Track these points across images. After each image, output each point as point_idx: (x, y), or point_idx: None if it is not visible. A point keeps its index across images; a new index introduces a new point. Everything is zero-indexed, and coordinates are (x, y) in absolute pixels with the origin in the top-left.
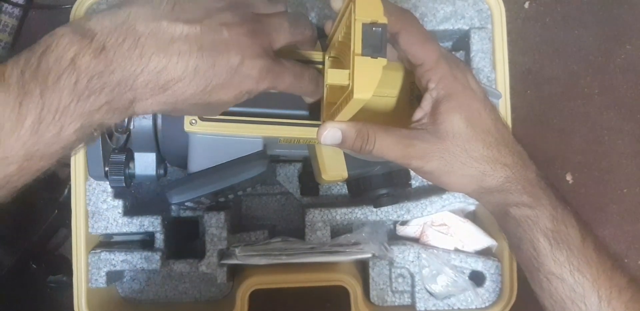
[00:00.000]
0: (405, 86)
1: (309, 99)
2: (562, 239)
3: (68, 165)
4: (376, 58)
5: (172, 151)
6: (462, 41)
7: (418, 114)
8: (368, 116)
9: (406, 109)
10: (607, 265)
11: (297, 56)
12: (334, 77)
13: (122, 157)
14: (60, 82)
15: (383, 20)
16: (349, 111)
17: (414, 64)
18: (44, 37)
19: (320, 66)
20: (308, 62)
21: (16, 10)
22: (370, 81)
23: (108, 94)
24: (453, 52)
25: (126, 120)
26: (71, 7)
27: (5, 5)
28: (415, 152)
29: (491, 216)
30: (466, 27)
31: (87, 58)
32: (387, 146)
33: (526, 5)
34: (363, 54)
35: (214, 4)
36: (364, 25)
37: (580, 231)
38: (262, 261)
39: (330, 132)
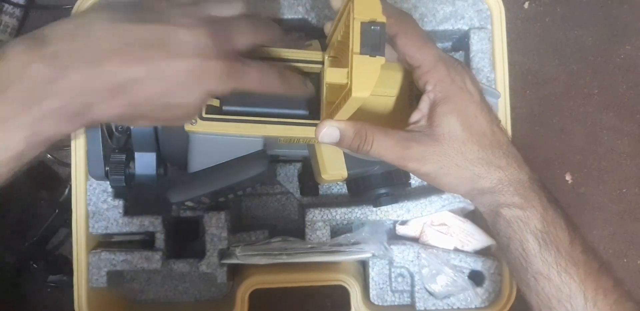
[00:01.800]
0: (404, 86)
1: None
2: (551, 241)
3: (68, 165)
4: (374, 57)
5: (172, 151)
6: (461, 41)
7: (415, 116)
8: (367, 116)
9: (405, 108)
10: (594, 267)
11: (295, 55)
12: (332, 76)
13: (123, 157)
14: (8, 92)
15: (382, 19)
16: (348, 109)
17: (412, 65)
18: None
19: (320, 66)
20: (307, 63)
21: (17, 11)
22: (369, 79)
23: (60, 99)
24: (453, 53)
25: None
26: (72, 7)
27: (6, 5)
28: (412, 154)
29: None
30: (466, 28)
31: (38, 65)
32: (385, 148)
33: (526, 5)
34: (361, 53)
35: (172, 8)
36: (362, 24)
37: (569, 233)
38: (262, 261)
39: (329, 131)
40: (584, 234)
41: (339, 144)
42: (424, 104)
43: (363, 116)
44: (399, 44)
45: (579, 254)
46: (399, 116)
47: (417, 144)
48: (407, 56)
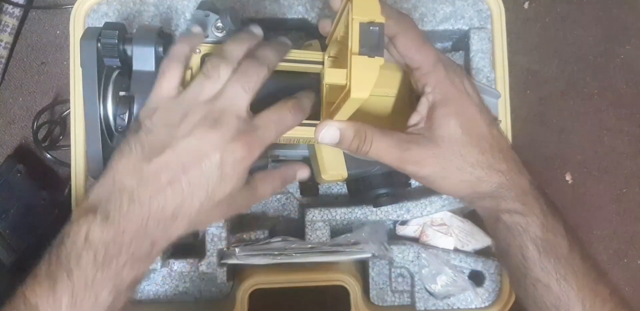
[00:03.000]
0: (404, 87)
1: None
2: (551, 248)
3: (68, 165)
4: (373, 57)
5: None
6: (461, 41)
7: (414, 119)
8: (367, 116)
9: (406, 109)
10: (592, 276)
11: (296, 56)
12: (331, 76)
13: None
14: (81, 261)
15: (380, 19)
16: (347, 110)
17: (410, 67)
18: (65, 227)
19: (320, 66)
20: (307, 63)
21: (17, 11)
22: (368, 79)
23: (127, 251)
24: (453, 53)
25: (126, 119)
26: (71, 7)
27: (6, 5)
28: (411, 156)
29: None
30: (466, 27)
31: (97, 231)
32: (384, 149)
33: (526, 5)
34: (360, 53)
35: (180, 122)
36: (361, 24)
37: (569, 240)
38: (262, 261)
39: (328, 131)
40: (582, 240)
41: (338, 144)
42: (423, 107)
43: (363, 116)
44: (398, 45)
45: (578, 261)
46: (399, 116)
47: (416, 147)
48: (406, 57)
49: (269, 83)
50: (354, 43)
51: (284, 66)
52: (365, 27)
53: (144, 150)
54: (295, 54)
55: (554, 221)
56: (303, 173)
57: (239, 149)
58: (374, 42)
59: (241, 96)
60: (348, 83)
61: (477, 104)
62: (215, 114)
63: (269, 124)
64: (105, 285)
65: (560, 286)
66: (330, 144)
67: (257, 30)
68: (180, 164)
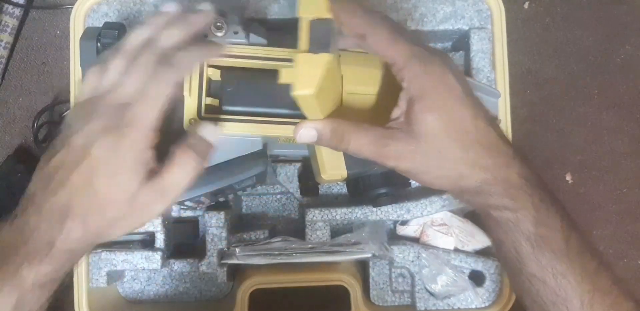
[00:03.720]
0: (389, 83)
1: None
2: (545, 243)
3: None
4: (317, 54)
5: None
6: (461, 41)
7: (395, 113)
8: (352, 115)
9: (392, 105)
10: (591, 268)
11: (269, 53)
12: (283, 76)
13: None
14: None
15: (327, 15)
16: (307, 108)
17: (387, 63)
18: None
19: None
20: (281, 61)
21: (17, 11)
22: (312, 77)
23: (24, 251)
24: (453, 53)
25: None
26: (71, 7)
27: (6, 5)
28: (389, 152)
29: None
30: (466, 28)
31: (4, 230)
32: (362, 146)
33: (526, 5)
34: (309, 51)
35: (76, 119)
36: (310, 22)
37: (565, 233)
38: (262, 261)
39: (305, 131)
40: (582, 230)
41: (317, 143)
42: (402, 101)
43: (348, 115)
44: (370, 43)
45: (575, 255)
46: (387, 113)
47: (395, 142)
48: (380, 54)
49: (241, 82)
50: (303, 41)
51: (256, 63)
52: (313, 24)
53: (49, 151)
54: (268, 52)
55: (549, 214)
56: (210, 133)
57: (114, 139)
58: (323, 39)
59: (130, 92)
60: (294, 81)
61: (458, 97)
62: (104, 109)
63: (138, 99)
64: (4, 283)
65: (556, 281)
66: (309, 143)
67: (204, 6)
68: (70, 163)
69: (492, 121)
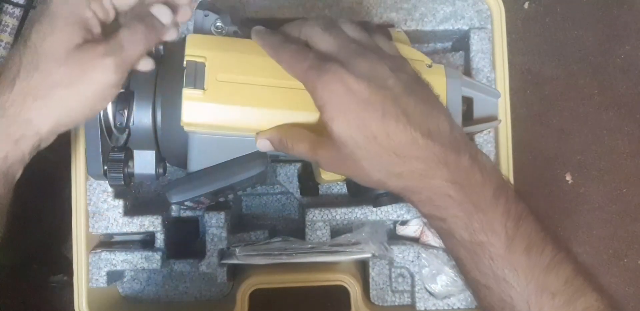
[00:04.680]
0: None
1: None
2: (482, 250)
3: (68, 165)
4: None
5: (171, 150)
6: (461, 41)
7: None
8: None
9: None
10: (540, 267)
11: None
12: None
13: (122, 155)
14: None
15: (201, 60)
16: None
17: None
18: None
19: None
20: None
21: (17, 11)
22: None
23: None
24: (453, 53)
25: (125, 115)
26: None
27: (6, 5)
28: (321, 158)
29: None
30: (466, 28)
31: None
32: (302, 152)
33: (526, 5)
34: (184, 86)
35: None
36: (186, 62)
37: (507, 235)
38: (262, 261)
39: (261, 142)
40: (531, 226)
41: (275, 150)
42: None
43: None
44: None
45: (519, 257)
46: None
47: (322, 150)
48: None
49: None
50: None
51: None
52: (189, 65)
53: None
54: None
55: (487, 218)
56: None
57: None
58: (196, 77)
59: None
60: None
61: (361, 101)
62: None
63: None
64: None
65: (500, 287)
66: (268, 151)
67: None
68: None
69: (416, 118)
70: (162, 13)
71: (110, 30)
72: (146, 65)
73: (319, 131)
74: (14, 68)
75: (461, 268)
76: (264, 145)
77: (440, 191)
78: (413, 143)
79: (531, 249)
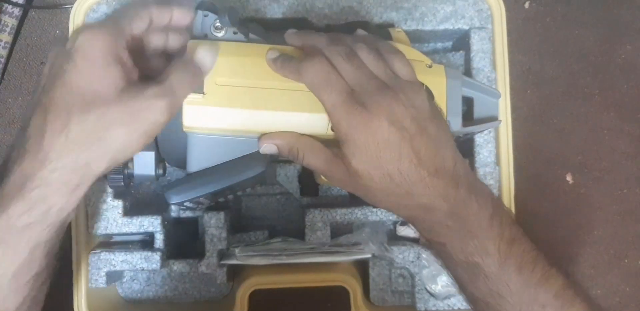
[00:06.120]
0: None
1: None
2: (478, 270)
3: None
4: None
5: (171, 150)
6: (462, 41)
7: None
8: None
9: None
10: (531, 283)
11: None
12: None
13: None
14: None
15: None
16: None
17: None
18: None
19: None
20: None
21: (16, 10)
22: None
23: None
24: (453, 52)
25: None
26: (71, 7)
27: (5, 5)
28: (332, 177)
29: None
30: (466, 27)
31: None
32: (314, 165)
33: (526, 5)
34: None
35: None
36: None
37: (499, 256)
38: (262, 261)
39: (267, 146)
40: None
41: (279, 155)
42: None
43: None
44: (305, 83)
45: (512, 274)
46: None
47: (336, 170)
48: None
49: None
50: None
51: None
52: None
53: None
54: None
55: (480, 242)
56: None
57: (86, 37)
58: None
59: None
60: None
61: (381, 143)
62: None
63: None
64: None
65: (495, 301)
66: (270, 153)
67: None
68: (47, 73)
69: (424, 161)
70: (207, 59)
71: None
72: None
73: (329, 143)
74: (63, 114)
75: (460, 285)
76: (268, 149)
77: (440, 221)
78: (421, 181)
79: (523, 267)
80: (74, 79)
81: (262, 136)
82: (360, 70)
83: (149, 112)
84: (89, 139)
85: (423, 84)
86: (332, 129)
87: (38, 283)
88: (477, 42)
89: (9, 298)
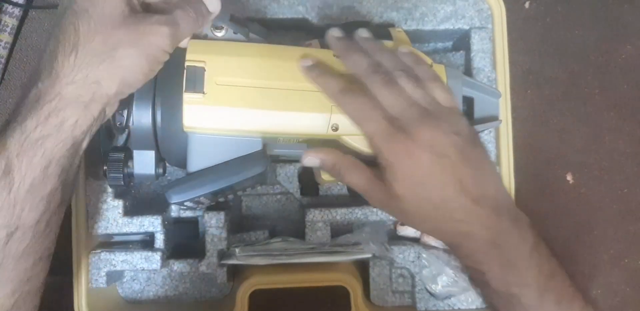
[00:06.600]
0: None
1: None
2: (516, 300)
3: None
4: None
5: (171, 150)
6: (462, 41)
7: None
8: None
9: None
10: None
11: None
12: None
13: (121, 155)
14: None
15: (201, 64)
16: None
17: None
18: None
19: None
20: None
21: (16, 10)
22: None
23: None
24: (453, 52)
25: (125, 117)
26: None
27: (6, 5)
28: (372, 198)
29: None
30: (466, 27)
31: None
32: (354, 184)
33: (527, 5)
34: (185, 91)
35: None
36: (186, 67)
37: (538, 289)
38: (262, 261)
39: (311, 160)
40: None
41: (320, 169)
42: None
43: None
44: (345, 111)
45: (550, 307)
46: None
47: (377, 191)
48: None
49: None
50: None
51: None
52: (189, 69)
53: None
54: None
55: (521, 272)
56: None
57: None
58: (196, 81)
59: None
60: None
61: (424, 171)
62: None
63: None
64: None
65: None
66: (310, 166)
67: None
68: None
69: (466, 187)
70: (213, 2)
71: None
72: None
73: (370, 162)
74: (72, 36)
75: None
76: (312, 162)
77: (480, 249)
78: (462, 208)
79: (561, 302)
80: (81, 4)
81: (309, 150)
82: (401, 97)
83: (153, 35)
84: (98, 57)
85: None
86: (374, 156)
87: (53, 204)
88: (477, 42)
89: (25, 212)
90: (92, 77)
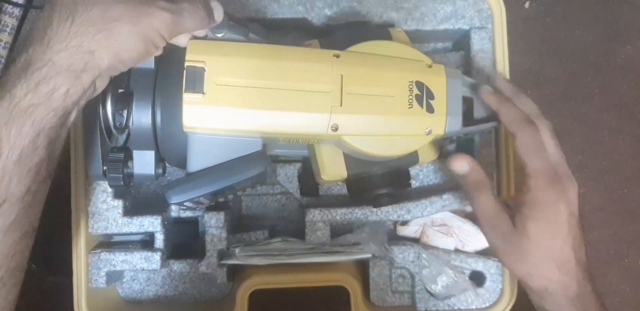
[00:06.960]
0: (403, 85)
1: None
2: None
3: (67, 165)
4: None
5: (171, 150)
6: (462, 41)
7: (517, 199)
8: (365, 119)
9: (404, 108)
10: None
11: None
12: None
13: (121, 155)
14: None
15: (200, 64)
16: None
17: (521, 161)
18: None
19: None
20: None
21: (16, 10)
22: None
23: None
24: (453, 52)
25: (125, 115)
26: None
27: (5, 5)
28: (490, 227)
29: None
30: (466, 27)
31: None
32: (481, 209)
33: (527, 5)
34: (185, 91)
35: None
36: (186, 67)
37: None
38: (262, 261)
39: (462, 167)
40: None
41: (461, 178)
42: (520, 198)
43: (362, 120)
44: (517, 143)
45: None
46: (398, 116)
47: (504, 225)
48: (519, 155)
49: None
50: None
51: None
52: (188, 70)
53: None
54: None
55: None
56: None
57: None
58: (196, 81)
59: None
60: None
61: (563, 221)
62: None
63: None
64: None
65: None
66: (456, 173)
67: None
68: None
69: (575, 247)
70: (218, 8)
71: None
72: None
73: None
74: (70, 4)
75: None
76: (461, 169)
77: (561, 303)
78: (569, 262)
79: None
80: None
81: (466, 155)
82: (560, 150)
83: (152, 17)
84: (94, 28)
85: None
86: (523, 189)
87: (40, 176)
88: (477, 42)
89: (13, 184)
90: (85, 46)
